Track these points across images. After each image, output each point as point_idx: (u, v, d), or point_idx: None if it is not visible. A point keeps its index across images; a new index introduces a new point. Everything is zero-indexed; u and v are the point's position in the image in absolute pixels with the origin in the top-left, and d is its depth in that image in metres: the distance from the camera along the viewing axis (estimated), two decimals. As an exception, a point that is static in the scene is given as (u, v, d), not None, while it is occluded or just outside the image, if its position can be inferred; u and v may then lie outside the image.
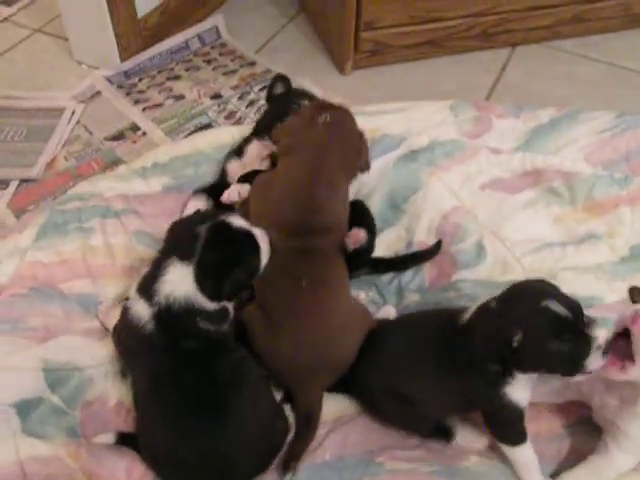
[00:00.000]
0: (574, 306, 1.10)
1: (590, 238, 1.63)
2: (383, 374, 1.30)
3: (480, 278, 1.56)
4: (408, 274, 1.61)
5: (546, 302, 1.09)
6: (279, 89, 1.71)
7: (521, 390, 1.17)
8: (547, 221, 1.66)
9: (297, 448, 1.27)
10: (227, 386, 1.20)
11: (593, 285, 1.52)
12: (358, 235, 1.45)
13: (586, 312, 1.11)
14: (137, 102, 2.27)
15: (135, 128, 2.16)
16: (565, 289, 1.48)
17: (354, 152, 1.43)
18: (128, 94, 2.30)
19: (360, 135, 1.48)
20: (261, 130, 1.63)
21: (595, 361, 1.08)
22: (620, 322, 1.11)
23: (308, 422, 1.30)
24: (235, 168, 1.62)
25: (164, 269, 1.20)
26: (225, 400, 1.19)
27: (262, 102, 2.25)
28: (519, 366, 1.12)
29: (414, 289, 1.58)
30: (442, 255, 1.61)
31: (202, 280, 1.19)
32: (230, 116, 2.22)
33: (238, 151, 1.66)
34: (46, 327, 1.35)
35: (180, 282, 1.19)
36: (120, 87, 2.32)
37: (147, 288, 1.22)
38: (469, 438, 1.31)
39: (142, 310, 1.21)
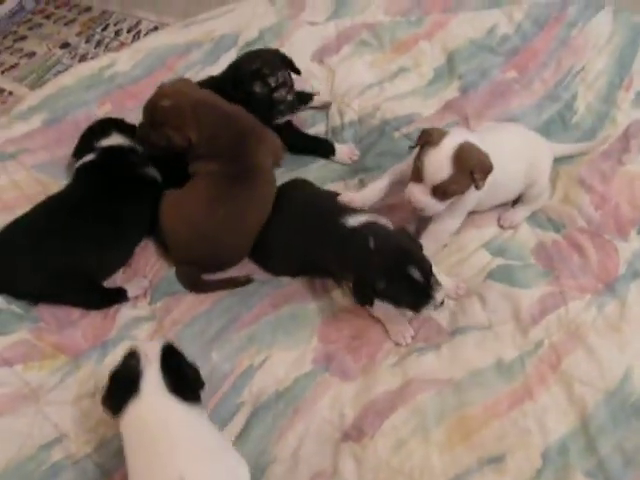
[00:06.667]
0: (426, 270, 1.34)
1: (401, 72, 1.98)
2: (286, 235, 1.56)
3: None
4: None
5: (409, 268, 1.33)
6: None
7: None
8: (364, 68, 1.99)
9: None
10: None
11: (411, 106, 1.89)
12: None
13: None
14: (-7, 68, 2.44)
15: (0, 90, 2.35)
16: (389, 114, 1.86)
17: None
18: (-19, 63, 2.46)
19: None
20: None
21: (427, 310, 1.37)
22: None
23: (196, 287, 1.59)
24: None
25: None
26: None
27: (108, 40, 2.47)
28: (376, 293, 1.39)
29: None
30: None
31: None
32: (83, 59, 2.41)
33: None
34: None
35: None
36: (-29, 59, 2.47)
37: None
38: None
39: None
